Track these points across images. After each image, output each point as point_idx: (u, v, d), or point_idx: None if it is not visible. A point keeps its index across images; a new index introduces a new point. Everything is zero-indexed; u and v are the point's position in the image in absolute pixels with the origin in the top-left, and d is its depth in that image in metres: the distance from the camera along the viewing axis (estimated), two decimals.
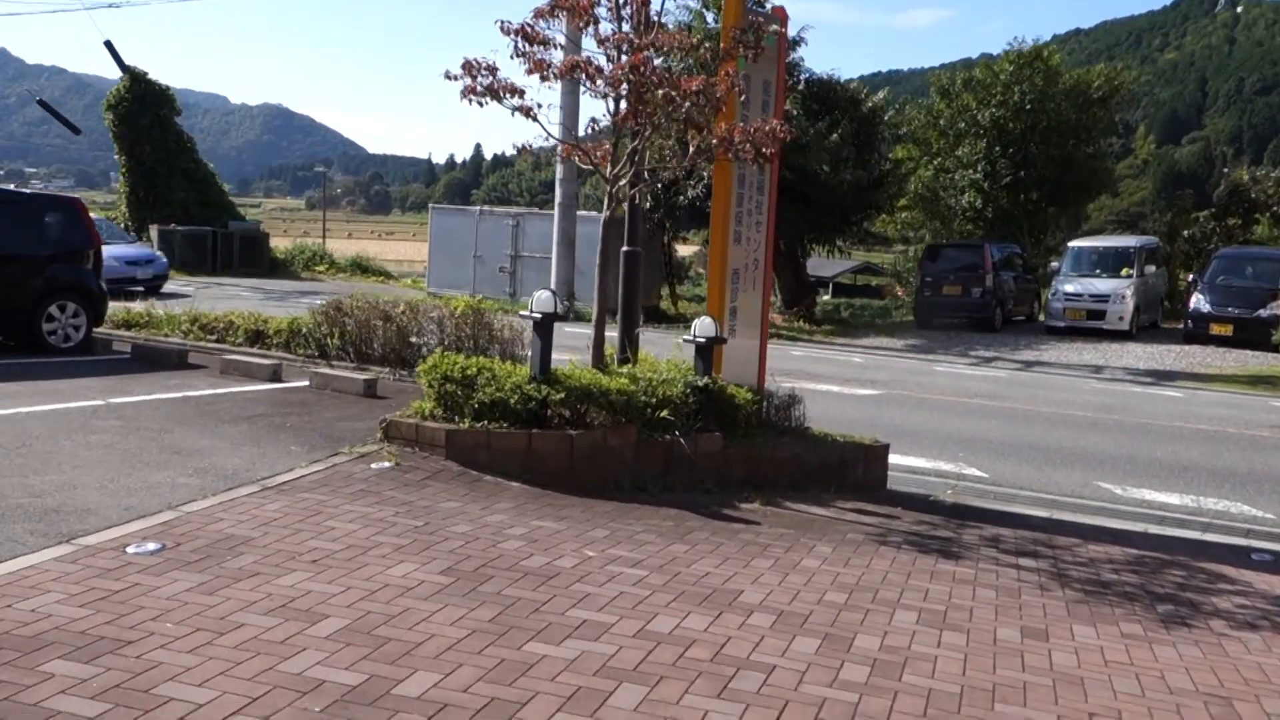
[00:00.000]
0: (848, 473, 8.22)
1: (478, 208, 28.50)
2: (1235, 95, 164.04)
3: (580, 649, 3.78)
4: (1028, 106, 28.30)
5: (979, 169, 29.28)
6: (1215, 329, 20.40)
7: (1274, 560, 6.78)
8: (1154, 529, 7.53)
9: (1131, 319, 21.84)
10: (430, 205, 32.02)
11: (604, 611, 4.19)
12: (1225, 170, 52.50)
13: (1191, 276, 23.87)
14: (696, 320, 7.73)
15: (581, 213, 25.74)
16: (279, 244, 40.65)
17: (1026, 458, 9.78)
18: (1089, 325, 21.96)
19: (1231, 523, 7.93)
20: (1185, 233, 29.50)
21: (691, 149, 7.72)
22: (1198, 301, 21.10)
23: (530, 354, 7.07)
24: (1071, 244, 25.01)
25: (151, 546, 4.55)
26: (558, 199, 23.27)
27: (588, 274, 24.67)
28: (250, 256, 34.05)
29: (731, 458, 7.52)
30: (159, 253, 25.17)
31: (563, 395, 6.82)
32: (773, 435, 8.06)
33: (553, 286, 23.54)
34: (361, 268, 37.21)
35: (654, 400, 7.22)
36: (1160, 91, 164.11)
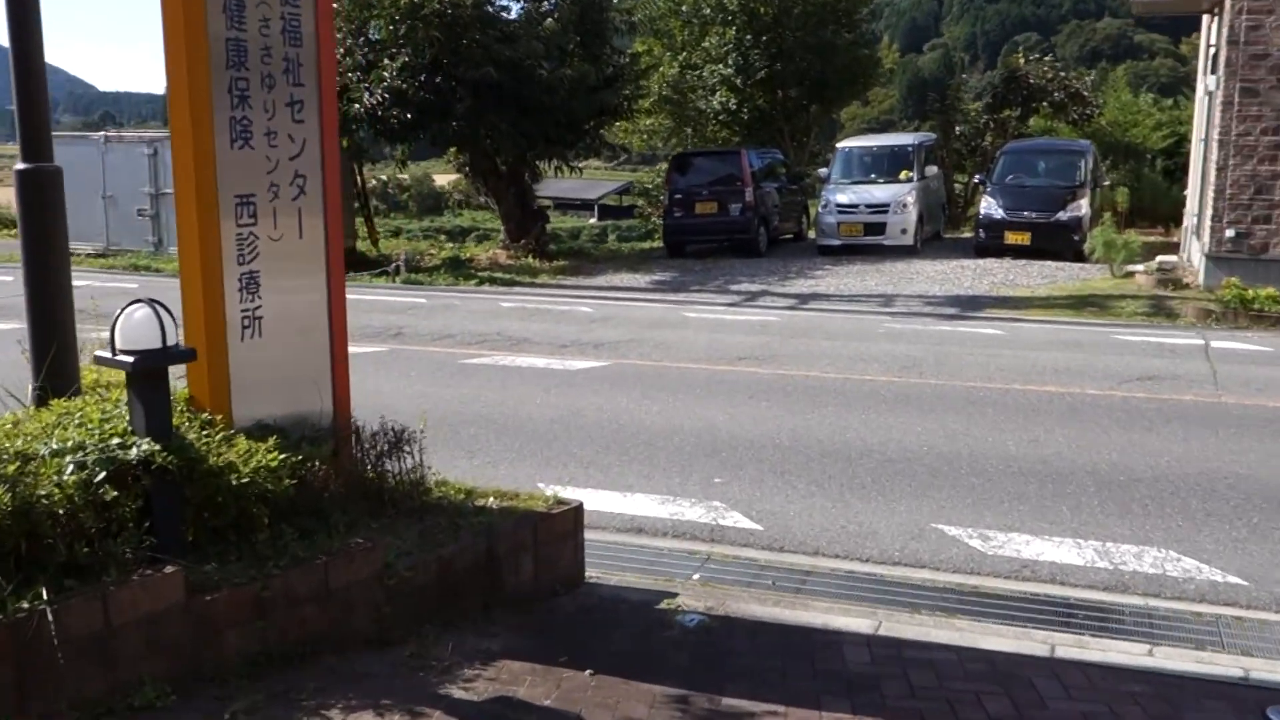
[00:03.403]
0: (505, 575, 4.54)
1: (101, 134, 22.88)
2: (969, 3, 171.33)
3: None
4: None
5: (730, 62, 26.12)
6: (1011, 237, 18.04)
7: None
8: (1065, 649, 4.20)
9: (916, 231, 19.26)
10: None
11: None
12: (964, 76, 53.03)
13: (978, 177, 21.63)
14: (121, 313, 3.68)
15: None
16: None
17: (819, 476, 6.36)
18: (868, 241, 19.23)
19: (1180, 601, 4.73)
20: (957, 129, 27.52)
21: None
22: (988, 206, 18.69)
23: None
24: (840, 145, 22.22)
25: None
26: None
27: None
28: None
29: (218, 612, 3.58)
30: None
31: None
32: (342, 527, 4.19)
33: None
34: None
35: None
36: (901, 1, 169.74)
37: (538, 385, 8.89)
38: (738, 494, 6.09)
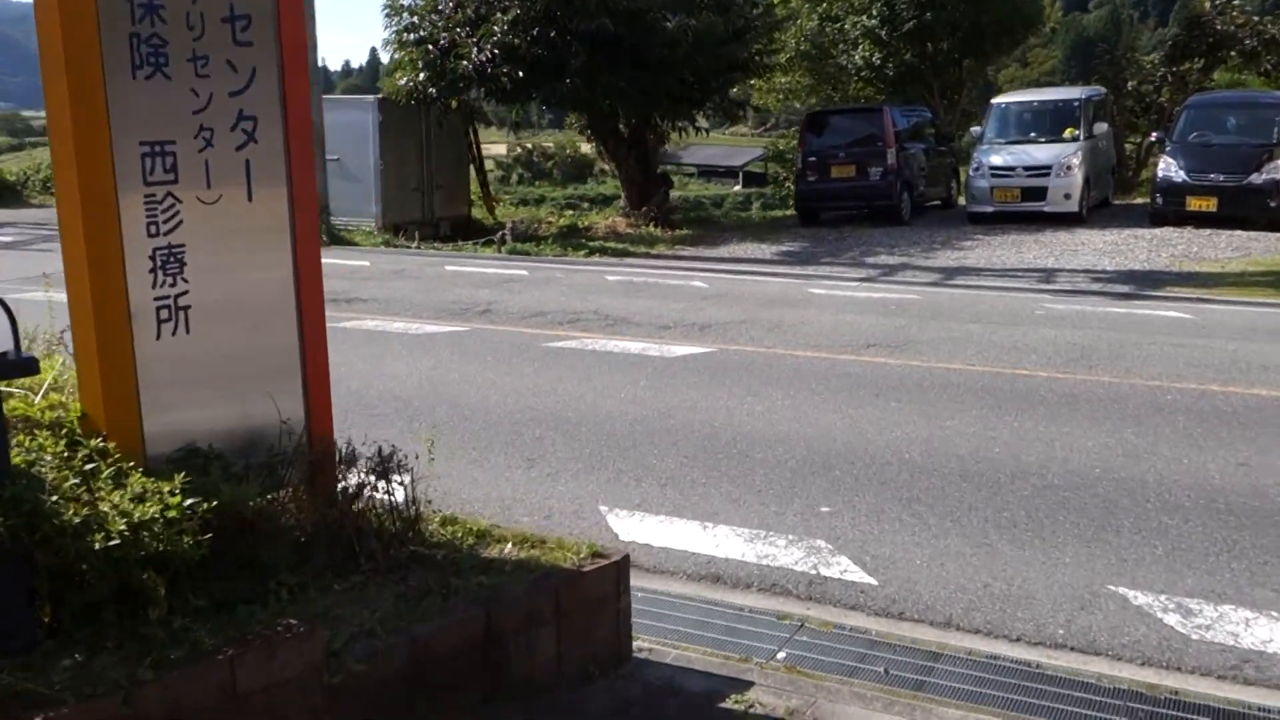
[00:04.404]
0: (513, 657, 3.44)
1: None
2: None
3: None
4: None
5: (874, 13, 24.27)
6: (1194, 203, 15.98)
7: None
8: None
9: (1081, 197, 17.30)
10: None
11: None
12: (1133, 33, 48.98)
13: (1155, 135, 19.43)
14: None
15: (331, 97, 20.20)
16: (8, 165, 34.35)
17: (957, 508, 5.02)
18: (1025, 208, 17.39)
19: None
20: (1130, 84, 25.02)
21: None
22: (1167, 168, 16.61)
23: None
24: (996, 101, 20.27)
25: None
26: None
27: (352, 176, 19.27)
28: None
29: None
30: None
31: None
32: (285, 593, 3.13)
33: None
34: None
35: None
36: None
37: (626, 376, 7.73)
38: (849, 530, 4.81)
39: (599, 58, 17.52)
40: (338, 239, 17.48)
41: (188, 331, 3.33)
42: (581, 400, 7.09)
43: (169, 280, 3.27)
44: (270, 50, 3.47)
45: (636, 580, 4.32)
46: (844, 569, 4.44)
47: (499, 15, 17.52)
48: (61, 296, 3.27)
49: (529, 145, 51.40)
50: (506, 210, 24.63)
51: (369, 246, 17.17)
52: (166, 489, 2.95)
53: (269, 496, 3.45)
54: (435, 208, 20.44)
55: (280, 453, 3.53)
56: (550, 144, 52.05)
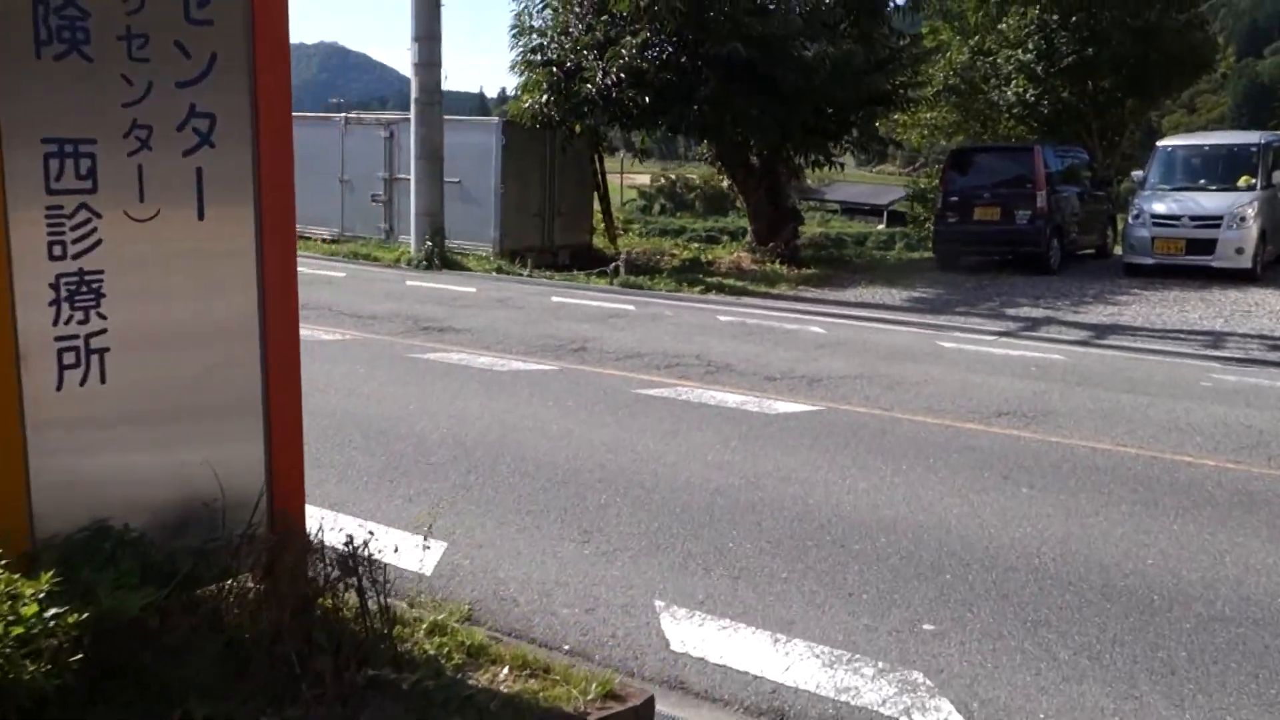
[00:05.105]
0: None
1: (342, 115, 22.62)
2: None
3: None
4: None
5: (1031, 47, 22.97)
6: None
7: None
8: None
9: (1255, 252, 15.75)
10: None
11: None
12: None
13: None
14: None
15: (454, 118, 19.89)
16: None
17: (1097, 641, 4.03)
18: (1190, 261, 15.94)
19: None
20: None
21: None
22: None
23: None
24: (1162, 144, 18.77)
25: None
26: (413, 93, 17.43)
27: (472, 199, 18.94)
28: None
29: None
30: None
31: None
32: None
33: (414, 218, 17.83)
34: None
35: None
36: (1241, 1, 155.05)
37: (717, 434, 6.89)
38: (956, 660, 3.88)
39: (730, 84, 16.79)
40: (450, 263, 17.10)
41: (103, 380, 2.66)
42: (661, 461, 6.29)
43: (78, 315, 2.61)
44: (238, 33, 2.80)
45: (681, 710, 3.49)
46: (944, 717, 3.52)
47: (628, 39, 16.96)
48: None
49: (672, 176, 51.28)
50: (630, 240, 24.09)
51: (480, 272, 16.74)
52: (28, 592, 2.27)
53: (193, 593, 2.76)
54: (555, 235, 19.98)
55: (217, 536, 2.83)
56: (694, 175, 51.85)
